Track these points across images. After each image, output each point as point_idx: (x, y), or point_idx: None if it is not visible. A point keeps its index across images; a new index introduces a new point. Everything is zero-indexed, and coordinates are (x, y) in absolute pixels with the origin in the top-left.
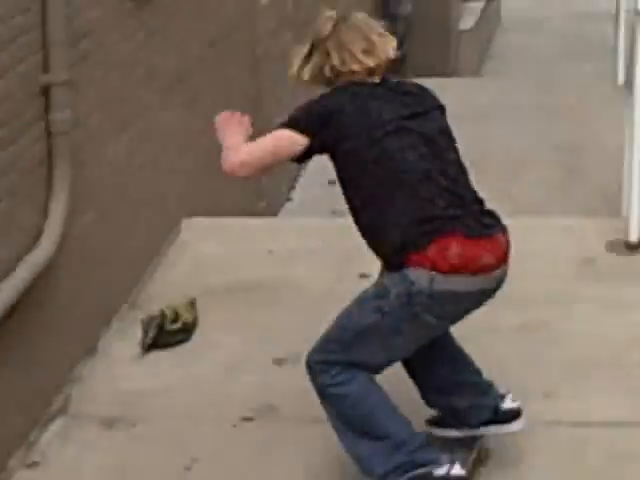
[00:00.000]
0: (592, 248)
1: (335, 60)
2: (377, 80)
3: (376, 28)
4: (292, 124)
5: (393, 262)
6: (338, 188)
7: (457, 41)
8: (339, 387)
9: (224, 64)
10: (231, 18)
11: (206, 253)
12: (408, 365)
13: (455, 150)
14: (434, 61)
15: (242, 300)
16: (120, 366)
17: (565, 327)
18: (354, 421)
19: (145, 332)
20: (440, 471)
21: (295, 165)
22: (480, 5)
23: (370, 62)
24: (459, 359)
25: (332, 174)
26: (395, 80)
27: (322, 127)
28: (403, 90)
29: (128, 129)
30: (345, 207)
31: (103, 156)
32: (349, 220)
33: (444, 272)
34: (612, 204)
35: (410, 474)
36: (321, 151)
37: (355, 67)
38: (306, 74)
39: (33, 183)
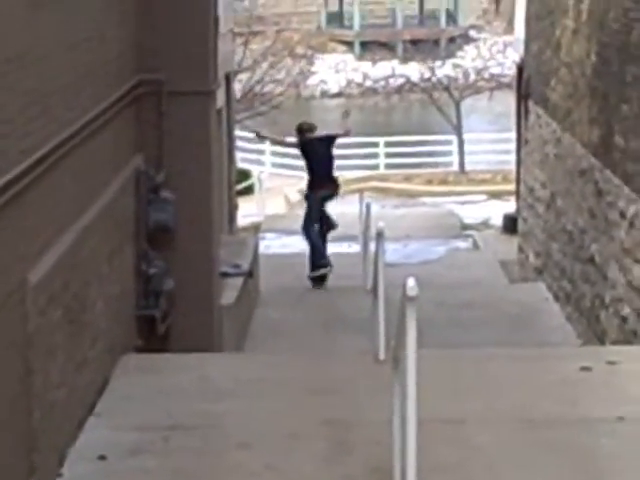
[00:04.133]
0: None
1: None
2: None
3: None
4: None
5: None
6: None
7: (219, 316)
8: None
9: None
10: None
11: None
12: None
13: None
14: (197, 336)
15: None
16: None
17: None
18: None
19: None
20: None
21: (65, 438)
22: (240, 281)
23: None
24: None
25: (102, 450)
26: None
27: None
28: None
29: None
30: None
31: None
32: None
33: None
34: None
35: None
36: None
37: None
38: None
39: None
